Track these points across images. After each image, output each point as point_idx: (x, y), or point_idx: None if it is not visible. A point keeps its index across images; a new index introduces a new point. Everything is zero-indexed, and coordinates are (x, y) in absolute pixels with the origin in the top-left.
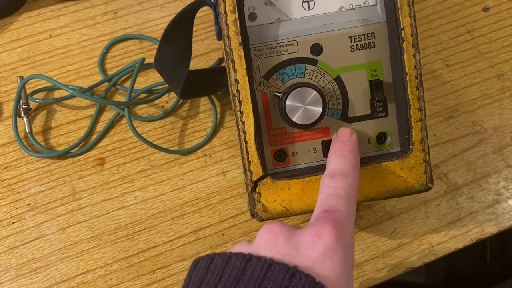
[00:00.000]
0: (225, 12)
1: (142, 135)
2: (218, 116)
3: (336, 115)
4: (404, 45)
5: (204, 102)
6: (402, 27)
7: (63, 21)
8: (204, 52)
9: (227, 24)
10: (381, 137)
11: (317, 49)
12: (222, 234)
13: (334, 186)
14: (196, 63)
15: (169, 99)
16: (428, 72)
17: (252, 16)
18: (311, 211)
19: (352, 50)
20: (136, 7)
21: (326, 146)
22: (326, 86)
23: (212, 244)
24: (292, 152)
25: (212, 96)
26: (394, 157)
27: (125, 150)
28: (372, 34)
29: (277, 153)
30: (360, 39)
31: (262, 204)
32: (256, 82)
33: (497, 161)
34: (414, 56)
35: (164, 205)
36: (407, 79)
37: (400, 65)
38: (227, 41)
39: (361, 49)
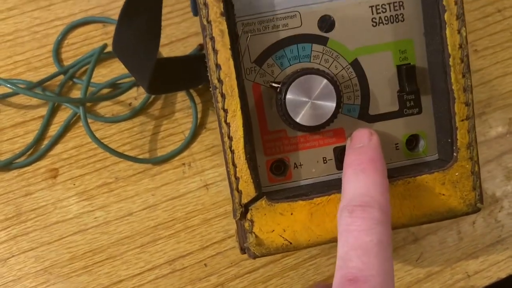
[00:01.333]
0: None
1: (104, 140)
2: (199, 115)
3: (353, 112)
4: (445, 17)
5: (181, 99)
6: None
7: (11, 2)
8: (180, 37)
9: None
10: (412, 141)
11: (327, 23)
12: (205, 264)
13: (355, 229)
14: (172, 51)
15: (138, 94)
16: None
17: None
18: (323, 244)
19: (374, 24)
20: None
21: (340, 155)
22: (340, 73)
23: (192, 278)
24: (295, 164)
25: (191, 91)
26: (432, 169)
27: (83, 159)
28: (401, 3)
29: (275, 164)
30: (384, 10)
31: (256, 236)
32: (245, 68)
33: None
34: (459, 32)
35: (131, 228)
36: (450, 63)
37: (441, 44)
38: (204, 11)
39: (385, 23)
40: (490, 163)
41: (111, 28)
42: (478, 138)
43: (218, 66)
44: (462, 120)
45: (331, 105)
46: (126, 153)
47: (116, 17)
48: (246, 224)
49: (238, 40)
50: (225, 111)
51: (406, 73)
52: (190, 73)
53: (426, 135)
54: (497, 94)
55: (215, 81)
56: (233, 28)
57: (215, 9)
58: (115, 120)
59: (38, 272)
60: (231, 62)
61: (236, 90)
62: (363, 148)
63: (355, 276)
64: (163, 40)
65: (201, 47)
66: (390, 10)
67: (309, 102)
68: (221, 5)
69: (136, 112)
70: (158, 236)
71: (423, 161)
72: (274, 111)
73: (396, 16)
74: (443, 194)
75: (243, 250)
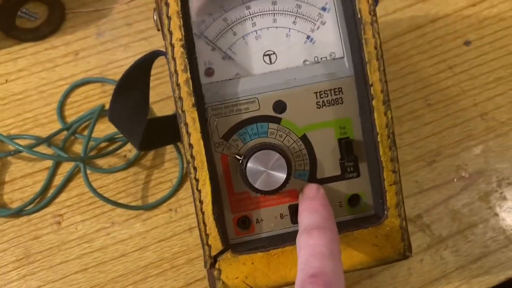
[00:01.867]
0: (175, 71)
1: (102, 189)
2: (185, 165)
3: (303, 176)
4: (374, 103)
5: (169, 150)
6: (371, 83)
7: (21, 64)
8: (170, 94)
9: (178, 85)
10: (353, 200)
11: (280, 106)
12: None
13: (313, 244)
14: (162, 107)
15: (132, 148)
16: (408, 112)
17: (209, 72)
18: (278, 287)
19: (319, 106)
20: (99, 48)
21: (294, 211)
22: (292, 145)
23: None
24: (257, 219)
25: (178, 143)
26: (367, 224)
27: (84, 206)
28: (340, 89)
29: (240, 220)
30: (326, 95)
31: (223, 282)
32: (214, 143)
33: (483, 209)
34: (386, 114)
35: (125, 267)
36: (379, 139)
37: (371, 124)
38: (179, 103)
39: (328, 106)
40: (439, 206)
41: (109, 87)
42: (429, 184)
43: (190, 146)
44: (390, 185)
45: (283, 175)
46: (121, 200)
47: (113, 77)
48: (215, 273)
49: (208, 122)
50: (197, 180)
51: (345, 146)
52: (173, 129)
53: (364, 194)
54: (446, 143)
55: (189, 157)
56: (203, 115)
57: (188, 102)
58: (111, 171)
59: None
60: (201, 142)
61: (206, 164)
62: (314, 197)
63: (315, 272)
64: (154, 97)
65: None
66: (331, 95)
67: (266, 171)
68: (193, 98)
69: (130, 164)
70: (148, 274)
71: (362, 216)
72: (239, 176)
73: (337, 99)
74: (377, 245)
75: None
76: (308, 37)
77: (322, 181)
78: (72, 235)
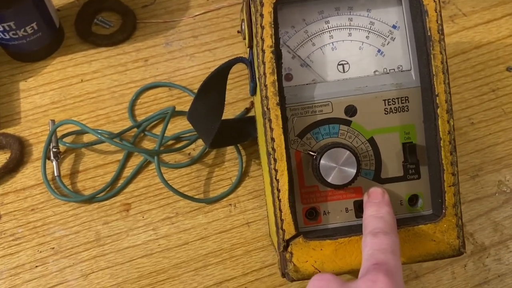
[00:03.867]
0: (264, 73)
1: (169, 182)
2: (244, 165)
3: (369, 175)
4: (438, 111)
5: (230, 151)
6: (437, 93)
7: (95, 66)
8: (231, 101)
9: (265, 85)
10: (413, 199)
11: (351, 110)
12: (246, 287)
13: (378, 242)
14: (224, 112)
15: (196, 146)
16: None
17: (288, 77)
18: (343, 273)
19: (386, 112)
20: (167, 56)
21: (358, 206)
22: (360, 146)
23: None
24: (324, 211)
25: (238, 145)
26: (426, 221)
27: (151, 197)
28: (406, 98)
29: (309, 211)
30: (394, 103)
31: (294, 265)
32: (290, 140)
33: None
34: (448, 122)
35: (187, 255)
36: (441, 144)
37: (434, 130)
38: (265, 101)
39: (394, 112)
40: (481, 217)
41: (176, 91)
42: (472, 196)
43: (272, 139)
44: (449, 186)
45: (353, 170)
46: (185, 193)
47: (179, 83)
48: (287, 255)
49: (287, 121)
50: (276, 170)
51: (409, 149)
52: (239, 131)
53: (423, 195)
54: (488, 160)
55: (270, 149)
56: (284, 113)
57: (273, 101)
58: (177, 166)
59: (113, 286)
60: (282, 137)
61: (285, 156)
62: (379, 203)
63: (379, 261)
64: (228, 99)
65: (247, 110)
66: (398, 103)
67: (337, 167)
68: (277, 98)
69: (194, 161)
70: (208, 262)
71: (420, 214)
72: (310, 171)
73: (403, 107)
74: (434, 240)
75: (283, 275)
76: (379, 50)
77: (385, 181)
78: (139, 222)
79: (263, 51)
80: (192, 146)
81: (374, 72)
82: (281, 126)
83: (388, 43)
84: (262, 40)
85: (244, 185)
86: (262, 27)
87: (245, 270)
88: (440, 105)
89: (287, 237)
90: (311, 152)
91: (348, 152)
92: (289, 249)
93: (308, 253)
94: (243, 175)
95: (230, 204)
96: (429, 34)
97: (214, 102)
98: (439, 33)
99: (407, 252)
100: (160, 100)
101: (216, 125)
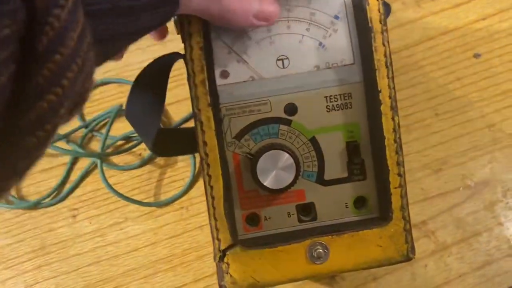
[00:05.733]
0: (193, 71)
1: (117, 185)
2: (197, 165)
3: (311, 177)
4: (382, 108)
5: None
6: (379, 89)
7: None
8: (186, 97)
9: (195, 84)
10: (359, 202)
11: (291, 109)
12: None
13: None
14: (178, 108)
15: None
16: (416, 121)
17: (224, 74)
18: (284, 283)
19: (328, 110)
20: None
21: (300, 210)
22: (301, 147)
23: None
24: (265, 217)
25: None
26: (372, 225)
27: (99, 201)
28: (349, 95)
29: (249, 217)
30: (336, 99)
31: (231, 276)
32: (227, 142)
33: (488, 218)
34: (393, 119)
35: (136, 262)
36: (386, 143)
37: (378, 129)
38: (195, 101)
39: (337, 110)
40: (444, 213)
41: (126, 87)
42: (435, 192)
43: (205, 143)
44: (396, 188)
45: (291, 175)
46: (134, 197)
47: (130, 78)
48: (224, 266)
49: (222, 122)
50: (209, 176)
51: (353, 149)
52: (189, 141)
53: (370, 196)
54: (453, 153)
55: (203, 154)
56: (217, 114)
57: (203, 101)
58: (127, 168)
59: None
60: (215, 140)
61: (219, 161)
62: None
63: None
64: (170, 99)
65: None
66: (341, 100)
67: (275, 170)
68: (208, 98)
69: (145, 162)
70: (158, 269)
71: (367, 217)
72: (249, 174)
73: (346, 104)
74: (381, 246)
75: (220, 287)
76: (320, 43)
77: (329, 182)
78: (86, 228)
79: (191, 47)
80: (143, 146)
81: (315, 67)
82: (214, 128)
83: (330, 35)
84: (190, 34)
85: (197, 186)
86: (189, 22)
87: (196, 276)
88: (384, 101)
89: (223, 246)
90: (248, 155)
91: (286, 154)
92: (225, 259)
93: (246, 263)
94: (196, 176)
95: (182, 207)
96: (370, 25)
97: (152, 101)
98: (381, 23)
99: (352, 258)
100: (110, 98)
101: (155, 126)
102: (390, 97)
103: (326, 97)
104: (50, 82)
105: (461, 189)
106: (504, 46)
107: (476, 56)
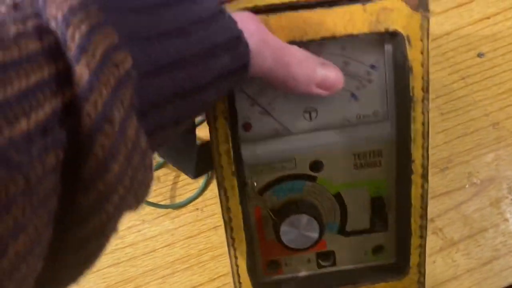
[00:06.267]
0: (216, 139)
1: None
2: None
3: (333, 229)
4: (412, 177)
5: None
6: (413, 159)
7: None
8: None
9: (219, 153)
10: (377, 249)
11: (317, 165)
12: None
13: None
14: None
15: None
16: None
17: (247, 126)
18: None
19: (356, 168)
20: None
21: (320, 258)
22: (325, 201)
23: None
24: (285, 263)
25: None
26: (389, 277)
27: None
28: (379, 152)
29: (270, 263)
30: (365, 157)
31: None
32: (249, 197)
33: (494, 214)
34: (422, 186)
35: (154, 262)
36: (412, 211)
37: (406, 194)
38: (219, 170)
39: (365, 167)
40: (451, 211)
41: None
42: (442, 189)
43: (228, 209)
44: (416, 248)
45: (315, 235)
46: (151, 199)
47: None
48: None
49: (246, 186)
50: (233, 239)
51: (377, 204)
52: None
53: (388, 246)
54: (457, 151)
55: (226, 218)
56: (242, 180)
57: (228, 171)
58: None
59: None
60: (239, 207)
61: (242, 225)
62: None
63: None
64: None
65: None
66: (370, 157)
67: (299, 232)
68: (233, 167)
69: (160, 165)
70: (175, 269)
71: (384, 264)
72: (270, 227)
73: (375, 162)
74: None
75: None
76: (352, 94)
77: (351, 234)
78: None
79: (215, 118)
80: None
81: (345, 120)
82: (238, 196)
83: (364, 86)
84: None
85: (211, 188)
86: None
87: (212, 276)
88: (415, 171)
89: None
90: (271, 214)
91: (309, 217)
92: None
93: None
94: (210, 179)
95: (197, 209)
96: (411, 94)
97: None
98: (423, 91)
99: None
100: None
101: (193, 153)
102: (422, 166)
103: (354, 154)
104: (93, 209)
105: (467, 186)
106: (508, 45)
107: (480, 55)
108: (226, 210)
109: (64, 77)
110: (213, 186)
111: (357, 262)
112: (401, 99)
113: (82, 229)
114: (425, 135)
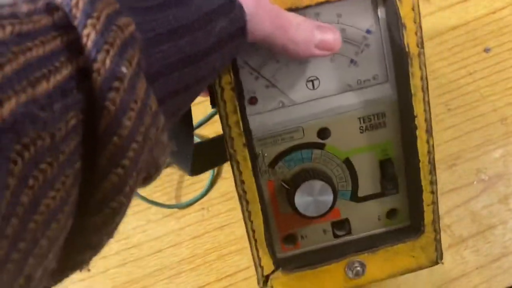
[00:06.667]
0: (225, 113)
1: (139, 189)
2: (216, 167)
3: (345, 196)
4: (417, 132)
5: None
6: (415, 115)
7: None
8: (201, 100)
9: (228, 125)
10: (391, 213)
11: (324, 133)
12: None
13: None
14: (194, 113)
15: None
16: None
17: (252, 100)
18: None
19: (361, 131)
20: None
21: (335, 227)
22: (335, 168)
23: None
24: (302, 236)
25: None
26: (405, 238)
27: None
28: (383, 114)
29: (286, 237)
30: (369, 120)
31: None
32: (261, 171)
33: (502, 211)
34: (428, 142)
35: (161, 263)
36: (420, 166)
37: (413, 150)
38: (230, 143)
39: (370, 130)
40: (459, 207)
41: None
42: (450, 186)
43: (242, 182)
44: (428, 205)
45: (330, 199)
46: (156, 199)
47: None
48: None
49: (257, 158)
50: (249, 212)
51: (386, 167)
52: (217, 152)
53: (401, 208)
54: (466, 147)
55: (240, 191)
56: (252, 152)
57: (238, 142)
58: None
59: None
60: (253, 179)
61: (257, 197)
62: None
63: None
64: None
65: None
66: (374, 120)
67: (313, 199)
68: (243, 138)
69: (166, 165)
70: (181, 269)
71: (398, 227)
72: (284, 199)
73: (379, 123)
74: (413, 256)
75: None
76: (352, 60)
77: (363, 199)
78: None
79: (222, 88)
80: None
81: (347, 85)
82: (251, 168)
83: (362, 51)
84: (219, 76)
85: (216, 187)
86: None
87: (219, 276)
88: (419, 126)
89: (266, 273)
90: (284, 185)
91: (322, 182)
92: (269, 283)
93: (289, 284)
94: (215, 177)
95: (203, 208)
96: (407, 50)
97: (179, 127)
98: (418, 46)
99: (387, 270)
100: None
101: (189, 149)
102: (425, 120)
103: (359, 118)
104: (111, 164)
105: (475, 183)
106: None
107: (487, 50)
108: (240, 184)
109: (75, 45)
110: (218, 185)
111: (372, 228)
112: (398, 58)
113: (101, 188)
114: (425, 89)
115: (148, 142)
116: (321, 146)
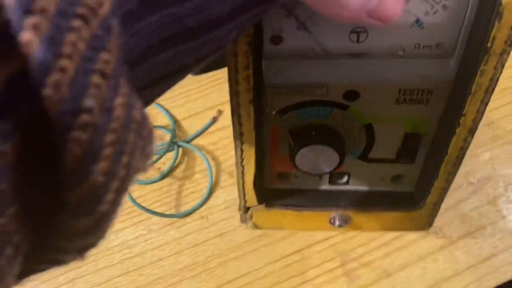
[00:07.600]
0: (235, 68)
1: (140, 199)
2: (214, 176)
3: (354, 154)
4: (457, 130)
5: (199, 163)
6: (464, 113)
7: None
8: (198, 111)
9: (236, 80)
10: (396, 178)
11: (352, 95)
12: None
13: None
14: (191, 123)
15: (166, 160)
16: None
17: (277, 40)
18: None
19: (398, 102)
20: None
21: (334, 175)
22: (351, 131)
23: None
24: (295, 175)
25: (207, 157)
26: (400, 206)
27: (123, 215)
28: (429, 91)
29: (279, 174)
30: (411, 94)
31: (253, 223)
32: (267, 116)
33: (491, 212)
34: (465, 140)
35: (163, 271)
36: (445, 158)
37: (445, 144)
38: (234, 97)
39: (408, 104)
40: (449, 210)
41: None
42: None
43: (241, 134)
44: (437, 190)
45: (332, 166)
46: (156, 209)
47: None
48: (247, 216)
49: (265, 113)
50: (242, 159)
51: (411, 140)
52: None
53: (409, 176)
54: None
55: (238, 143)
56: (259, 111)
57: (244, 97)
58: (147, 182)
59: None
60: (253, 135)
61: (254, 154)
62: None
63: None
64: (183, 113)
65: (214, 119)
66: (417, 95)
67: (315, 160)
68: (251, 94)
69: (164, 175)
70: (183, 277)
71: (400, 190)
72: (286, 146)
73: (421, 99)
74: (401, 223)
75: (242, 221)
76: (417, 20)
77: (372, 160)
78: (113, 242)
79: (235, 41)
80: (162, 160)
81: (401, 48)
82: (253, 125)
83: (435, 12)
84: None
85: (215, 196)
86: None
87: (219, 282)
88: (464, 124)
89: (248, 205)
90: (290, 140)
91: (331, 150)
92: (248, 213)
93: (269, 217)
94: (213, 186)
95: (202, 217)
96: (489, 45)
97: None
98: (505, 43)
99: (383, 225)
100: None
101: None
102: (473, 121)
103: (400, 89)
104: (85, 209)
105: (464, 185)
106: None
107: None
108: (238, 136)
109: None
110: (217, 194)
111: (372, 185)
112: (475, 44)
113: (78, 220)
114: (489, 91)
115: (133, 163)
116: (344, 107)
